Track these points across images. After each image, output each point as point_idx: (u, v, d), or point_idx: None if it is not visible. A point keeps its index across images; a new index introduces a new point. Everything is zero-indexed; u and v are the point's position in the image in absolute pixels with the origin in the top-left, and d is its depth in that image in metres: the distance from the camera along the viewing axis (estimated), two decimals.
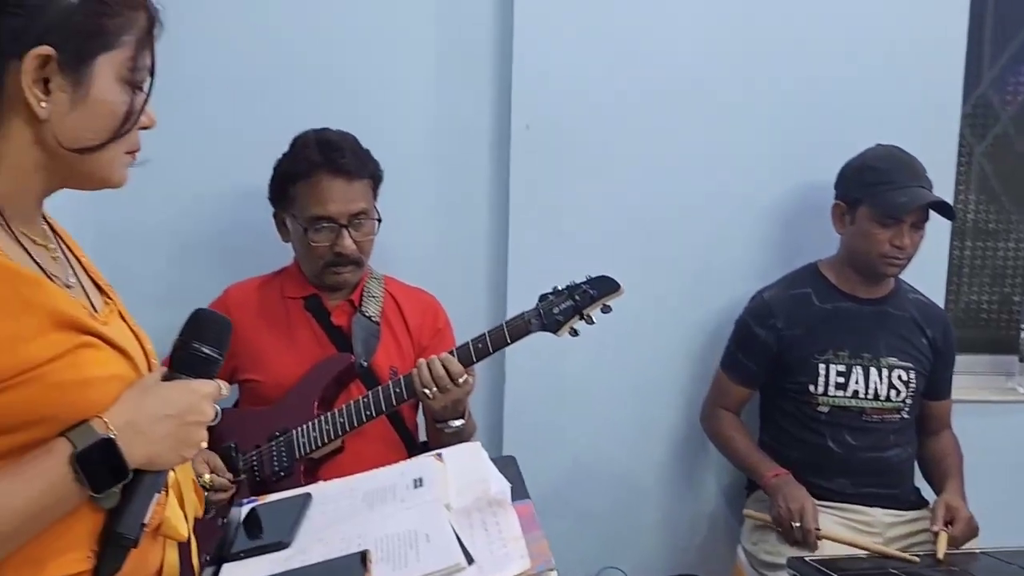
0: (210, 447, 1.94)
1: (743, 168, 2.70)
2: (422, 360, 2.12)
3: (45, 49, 1.11)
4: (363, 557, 1.29)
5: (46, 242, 1.25)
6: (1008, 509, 2.45)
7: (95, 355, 1.17)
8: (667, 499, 2.80)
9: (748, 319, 2.58)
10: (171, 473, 1.31)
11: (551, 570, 1.23)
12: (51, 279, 1.19)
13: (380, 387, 2.18)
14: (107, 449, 1.11)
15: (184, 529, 1.32)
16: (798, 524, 2.30)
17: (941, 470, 2.56)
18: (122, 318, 1.31)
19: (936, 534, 2.32)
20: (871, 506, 2.47)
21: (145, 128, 1.24)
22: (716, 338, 2.71)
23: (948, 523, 2.35)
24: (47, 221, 1.30)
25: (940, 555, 2.24)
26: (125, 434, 1.13)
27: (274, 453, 2.20)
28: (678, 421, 2.78)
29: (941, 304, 2.73)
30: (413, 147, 2.63)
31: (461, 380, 2.09)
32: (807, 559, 2.14)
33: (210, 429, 1.42)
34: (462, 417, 2.19)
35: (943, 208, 2.45)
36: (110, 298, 1.33)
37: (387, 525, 1.39)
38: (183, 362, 1.24)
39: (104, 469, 1.12)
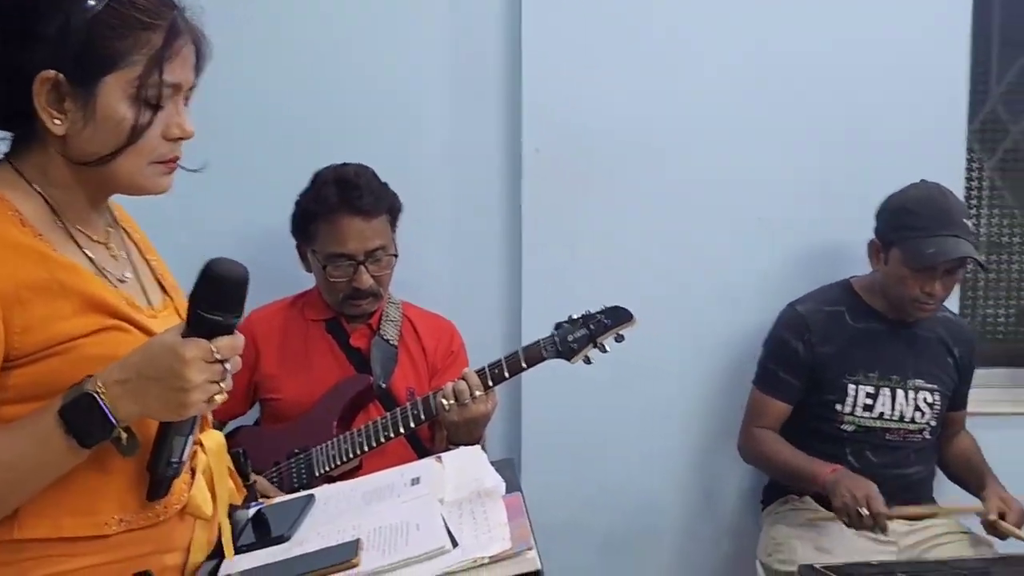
0: None
1: (756, 187, 2.73)
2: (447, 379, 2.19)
3: (49, 73, 1.23)
4: (354, 545, 1.35)
5: (106, 241, 1.38)
6: None
7: (125, 337, 1.28)
8: (687, 516, 2.83)
9: (784, 332, 2.56)
10: (202, 457, 1.42)
11: (529, 549, 1.29)
12: (102, 272, 1.33)
13: (398, 408, 2.25)
14: (91, 404, 1.18)
15: (208, 509, 1.40)
16: (866, 511, 2.26)
17: (973, 467, 2.58)
18: (179, 315, 1.42)
19: (993, 524, 2.35)
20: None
21: (179, 139, 1.33)
22: (732, 357, 2.75)
23: (1001, 515, 2.37)
24: (122, 225, 1.46)
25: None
26: (112, 391, 1.19)
27: (293, 470, 2.28)
28: (695, 438, 2.81)
29: None
30: (426, 173, 2.69)
31: (478, 393, 2.15)
32: (817, 566, 2.15)
33: (229, 443, 1.52)
34: (478, 444, 2.23)
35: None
36: (171, 297, 1.45)
37: (381, 518, 1.45)
38: (192, 324, 1.21)
39: (89, 423, 1.18)
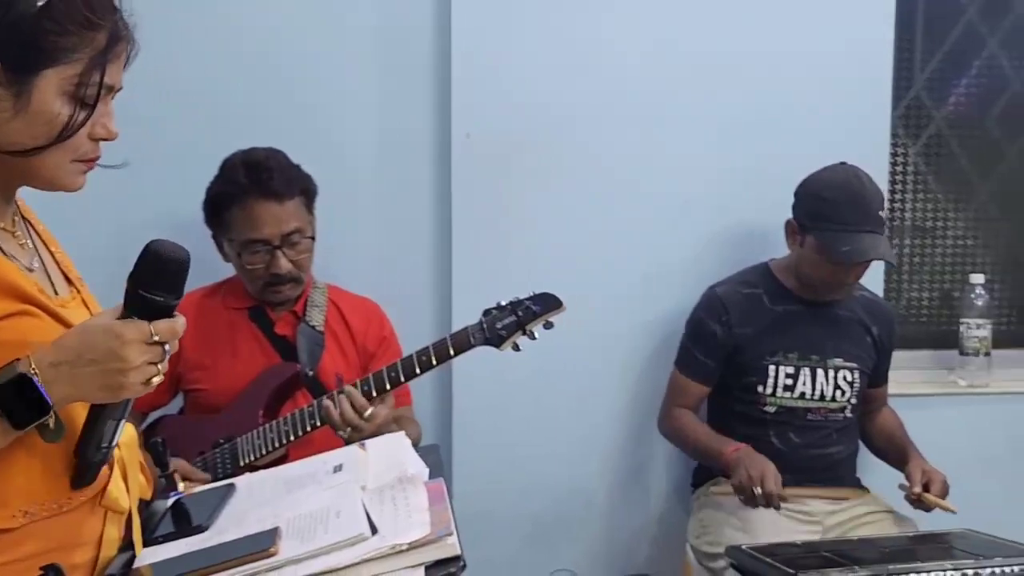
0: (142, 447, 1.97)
1: (684, 172, 2.74)
2: (327, 402, 2.15)
3: None
4: (272, 533, 1.33)
5: (14, 230, 1.36)
6: (950, 499, 2.47)
7: (37, 324, 1.25)
8: (617, 501, 2.83)
9: (702, 315, 2.59)
10: (116, 450, 1.37)
11: (449, 535, 1.28)
12: (9, 258, 1.29)
13: (325, 396, 2.21)
14: (25, 386, 1.16)
15: (125, 503, 1.38)
16: (760, 490, 2.28)
17: (895, 441, 2.63)
18: (87, 307, 1.40)
19: (918, 497, 2.38)
20: (811, 498, 2.52)
21: (103, 139, 1.31)
22: (660, 341, 2.76)
23: (925, 487, 2.40)
24: (24, 215, 1.42)
25: (955, 509, 2.35)
26: (48, 374, 1.17)
27: (218, 460, 2.24)
28: (625, 423, 2.81)
29: None
30: (356, 157, 2.66)
31: (367, 414, 2.12)
32: (743, 547, 2.17)
33: (151, 433, 1.48)
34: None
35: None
36: (78, 289, 1.43)
37: (301, 506, 1.44)
38: (132, 305, 1.21)
39: (23, 404, 1.16)
